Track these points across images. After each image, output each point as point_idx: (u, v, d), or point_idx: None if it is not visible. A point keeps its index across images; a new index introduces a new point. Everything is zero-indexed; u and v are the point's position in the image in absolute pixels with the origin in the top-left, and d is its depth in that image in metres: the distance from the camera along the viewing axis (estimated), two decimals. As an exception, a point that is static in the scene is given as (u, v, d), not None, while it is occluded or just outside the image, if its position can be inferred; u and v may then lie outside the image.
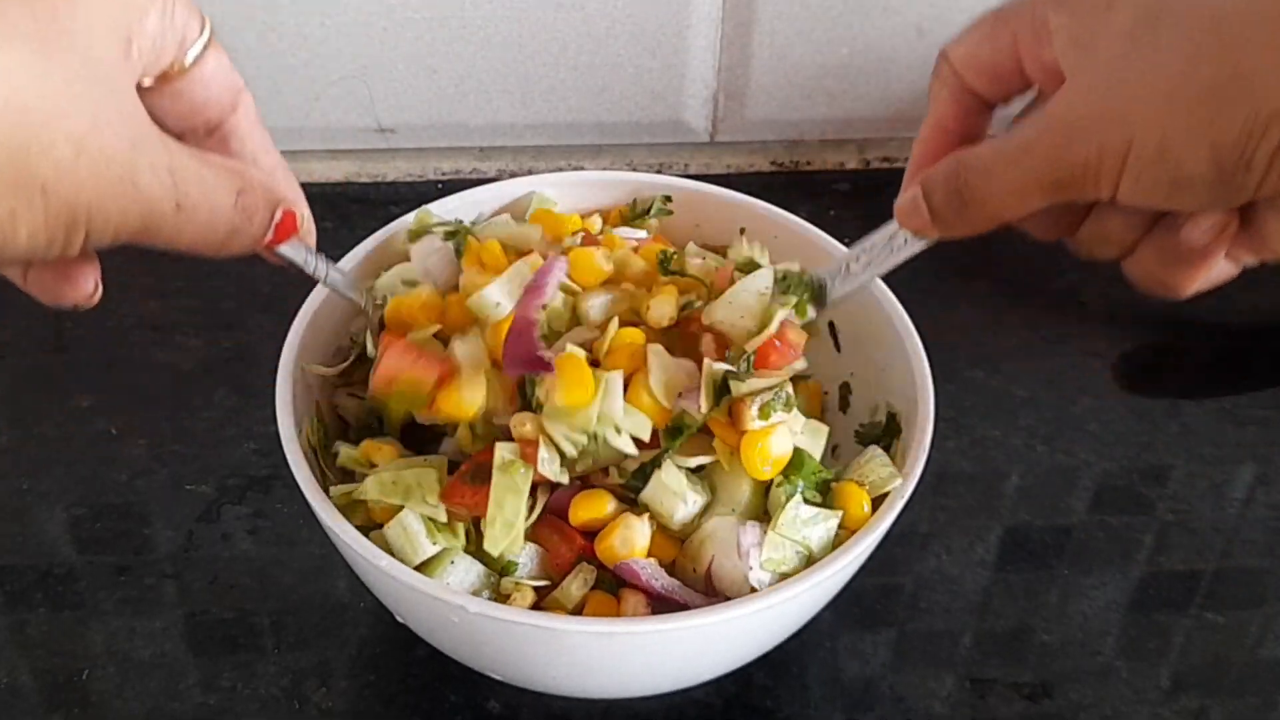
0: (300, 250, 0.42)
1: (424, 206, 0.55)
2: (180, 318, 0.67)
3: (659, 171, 0.79)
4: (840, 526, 0.45)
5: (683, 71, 0.75)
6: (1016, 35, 0.38)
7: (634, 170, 0.78)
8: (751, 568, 0.44)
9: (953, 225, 0.40)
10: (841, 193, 0.79)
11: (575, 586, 0.45)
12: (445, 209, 0.56)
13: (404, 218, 0.55)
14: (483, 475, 0.45)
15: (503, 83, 0.74)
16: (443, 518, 0.44)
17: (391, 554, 0.44)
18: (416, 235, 0.54)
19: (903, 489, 0.45)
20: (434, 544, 0.44)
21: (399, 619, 0.48)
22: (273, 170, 0.40)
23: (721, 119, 0.77)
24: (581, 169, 0.78)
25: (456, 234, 0.53)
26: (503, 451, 0.44)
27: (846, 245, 0.55)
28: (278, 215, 0.38)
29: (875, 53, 0.75)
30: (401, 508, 0.44)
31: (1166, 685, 0.52)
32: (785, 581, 0.42)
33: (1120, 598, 0.56)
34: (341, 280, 0.48)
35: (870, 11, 0.73)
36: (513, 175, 0.58)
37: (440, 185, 0.78)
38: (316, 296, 0.51)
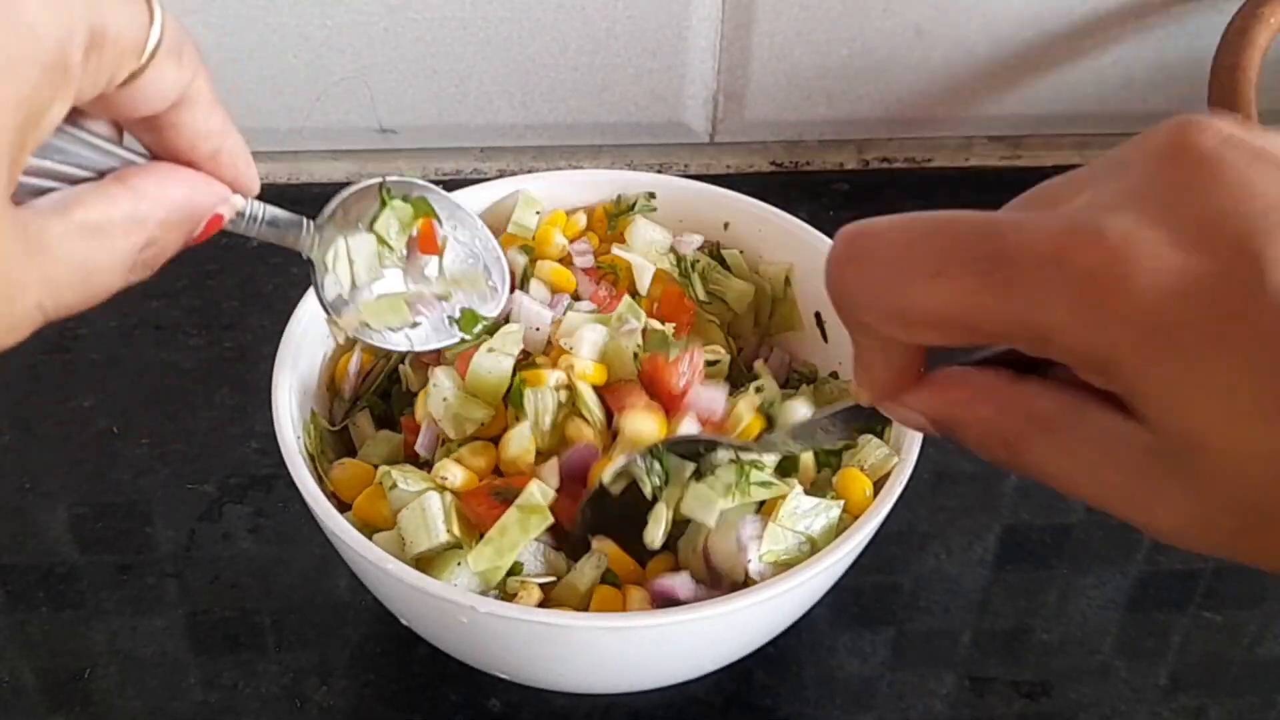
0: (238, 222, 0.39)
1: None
2: (182, 317, 0.68)
3: (659, 172, 0.79)
4: (843, 513, 0.46)
5: (683, 72, 0.75)
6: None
7: (634, 170, 0.78)
8: (750, 560, 0.44)
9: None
10: (841, 193, 0.79)
11: (590, 566, 0.46)
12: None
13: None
14: (508, 497, 0.45)
15: (503, 83, 0.74)
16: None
17: (401, 542, 0.45)
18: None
19: (902, 468, 0.46)
20: (448, 531, 0.44)
21: (404, 622, 0.48)
22: (214, 155, 0.36)
23: (721, 119, 0.78)
24: (581, 169, 0.79)
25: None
26: (535, 492, 0.45)
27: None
28: (199, 228, 0.36)
29: (875, 53, 0.75)
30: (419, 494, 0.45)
31: (1165, 684, 0.53)
32: (790, 570, 0.43)
33: (1119, 597, 0.56)
34: (288, 227, 0.43)
35: (870, 11, 0.74)
36: (514, 175, 0.58)
37: (441, 185, 0.78)
38: (313, 295, 0.51)
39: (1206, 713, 0.52)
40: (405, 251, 0.48)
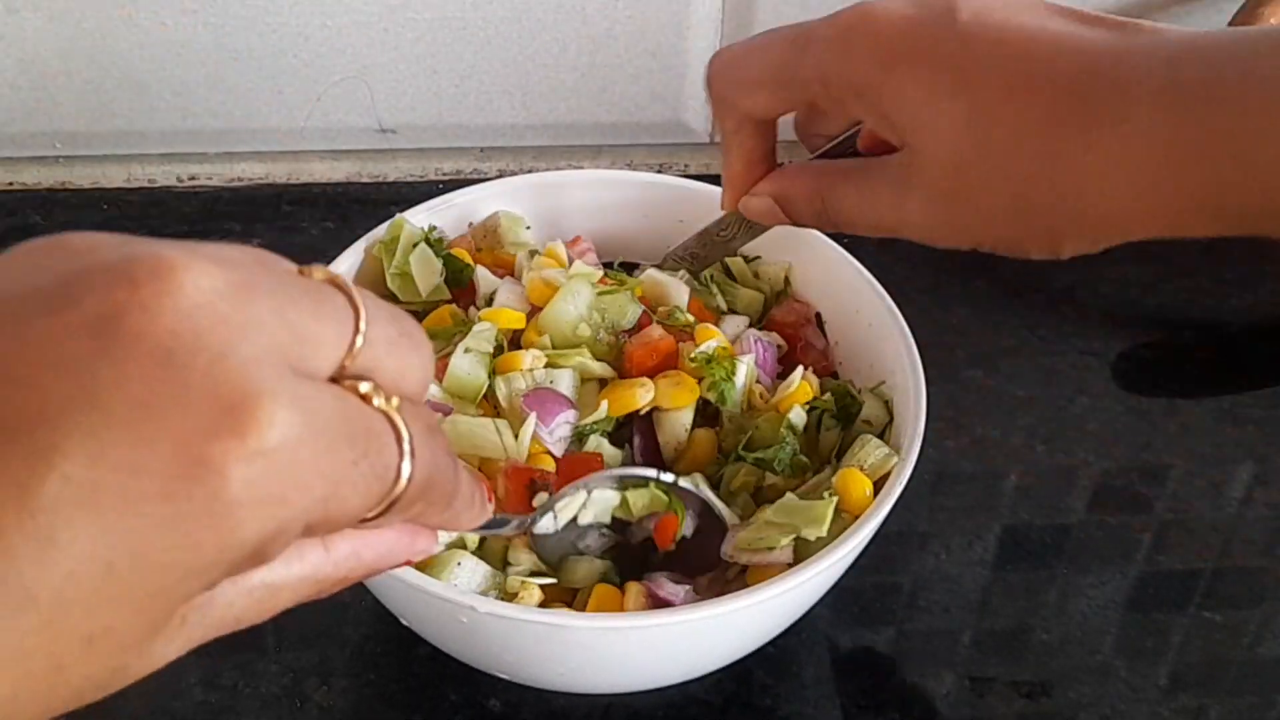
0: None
1: (399, 215, 0.55)
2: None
3: (659, 172, 0.79)
4: (842, 511, 0.46)
5: (683, 72, 0.75)
6: (815, 100, 0.43)
7: (633, 169, 0.78)
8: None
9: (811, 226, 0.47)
10: (841, 193, 0.79)
11: (590, 566, 0.47)
12: (420, 216, 0.56)
13: (379, 228, 0.55)
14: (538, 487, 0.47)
15: (503, 83, 0.74)
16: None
17: None
18: (389, 246, 0.54)
19: (901, 468, 0.46)
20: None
21: (404, 622, 0.48)
22: (440, 523, 0.30)
23: (721, 119, 0.78)
24: (581, 169, 0.79)
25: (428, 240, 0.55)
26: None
27: (844, 245, 0.55)
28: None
29: (875, 53, 0.75)
30: None
31: (1165, 684, 0.53)
32: (790, 570, 0.43)
33: (1119, 597, 0.56)
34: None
35: (870, 12, 0.73)
36: (513, 175, 0.58)
37: (441, 185, 0.78)
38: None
39: (1206, 713, 0.52)
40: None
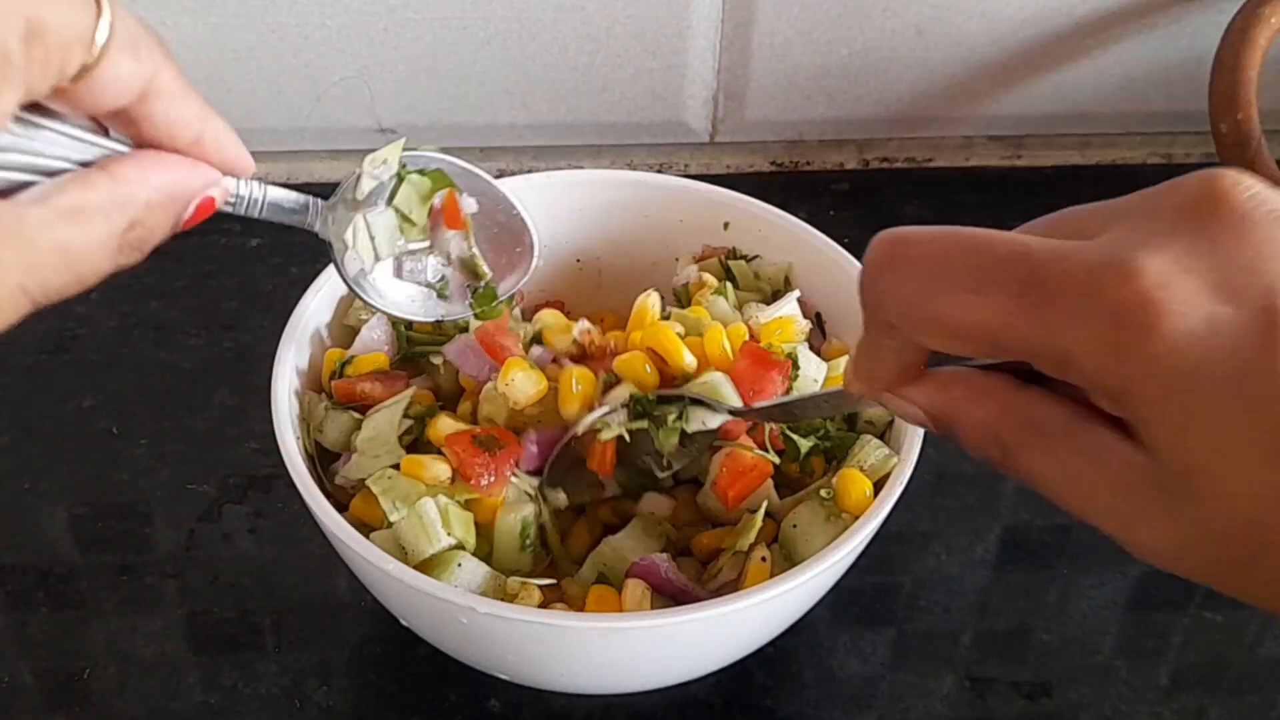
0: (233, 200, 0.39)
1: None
2: (181, 317, 0.68)
3: (659, 172, 0.79)
4: (843, 512, 0.46)
5: (683, 72, 0.75)
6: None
7: (633, 169, 0.78)
8: None
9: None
10: (841, 193, 0.79)
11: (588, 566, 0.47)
12: None
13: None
14: (490, 446, 0.46)
15: (503, 83, 0.74)
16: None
17: (403, 549, 0.45)
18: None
19: (901, 469, 0.46)
20: (449, 535, 0.44)
21: (404, 622, 0.48)
22: (196, 141, 0.36)
23: (721, 119, 0.78)
24: (581, 169, 0.79)
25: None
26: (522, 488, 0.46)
27: (845, 245, 0.55)
28: (189, 211, 0.37)
29: (875, 53, 0.75)
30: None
31: (1165, 684, 0.53)
32: (790, 570, 0.43)
33: (1119, 597, 0.56)
34: (291, 205, 0.42)
35: (870, 12, 0.74)
36: (513, 175, 0.58)
37: (441, 185, 0.78)
38: (311, 296, 0.52)
39: (1207, 713, 0.52)
40: (429, 225, 0.48)
